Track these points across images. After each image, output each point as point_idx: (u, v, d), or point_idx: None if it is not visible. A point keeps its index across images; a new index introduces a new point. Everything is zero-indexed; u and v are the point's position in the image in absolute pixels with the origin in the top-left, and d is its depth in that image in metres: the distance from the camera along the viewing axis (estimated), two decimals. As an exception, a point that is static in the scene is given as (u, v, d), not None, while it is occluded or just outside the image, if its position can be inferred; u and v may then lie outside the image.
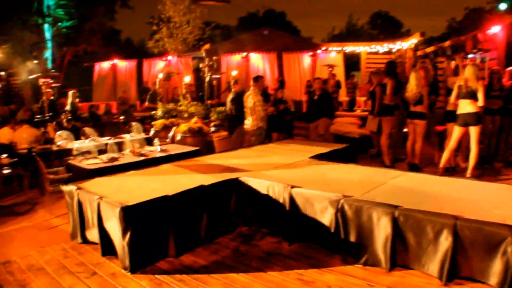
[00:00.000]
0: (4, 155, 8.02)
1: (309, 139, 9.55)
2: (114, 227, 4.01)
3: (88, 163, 6.28)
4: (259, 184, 4.76)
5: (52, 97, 12.54)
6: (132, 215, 3.86)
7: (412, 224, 3.60)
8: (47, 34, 15.90)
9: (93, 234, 4.49)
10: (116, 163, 6.32)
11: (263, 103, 8.35)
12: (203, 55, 11.70)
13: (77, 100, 12.19)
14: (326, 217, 4.14)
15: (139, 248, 3.95)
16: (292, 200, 4.42)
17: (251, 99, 8.15)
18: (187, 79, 11.90)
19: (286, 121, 10.16)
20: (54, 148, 7.97)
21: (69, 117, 11.62)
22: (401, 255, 3.76)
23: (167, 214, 4.15)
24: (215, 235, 4.73)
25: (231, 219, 4.93)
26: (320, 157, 6.08)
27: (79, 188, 4.64)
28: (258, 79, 8.49)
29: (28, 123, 10.15)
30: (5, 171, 7.88)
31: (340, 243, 4.07)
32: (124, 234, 3.86)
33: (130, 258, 3.91)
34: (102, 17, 17.54)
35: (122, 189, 4.65)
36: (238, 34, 20.68)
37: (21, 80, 15.65)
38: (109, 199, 4.15)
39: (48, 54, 16.18)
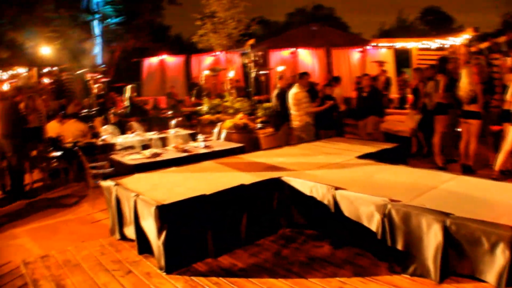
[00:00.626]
0: (51, 149, 8.26)
1: (358, 137, 9.22)
2: (150, 226, 3.93)
3: (130, 158, 6.30)
4: (302, 184, 4.56)
5: (102, 92, 12.76)
6: (168, 214, 3.77)
7: (465, 234, 3.29)
8: (96, 31, 16.27)
9: (130, 231, 4.45)
10: (158, 158, 6.31)
11: (309, 99, 8.12)
12: (248, 49, 11.54)
13: (134, 94, 12.33)
14: (372, 222, 3.89)
15: (175, 248, 3.86)
16: (336, 202, 4.19)
17: (296, 95, 7.94)
18: (231, 74, 11.80)
19: (334, 118, 9.85)
20: (99, 142, 8.07)
21: (128, 112, 11.88)
22: (453, 266, 3.46)
23: (205, 214, 4.03)
24: (256, 236, 4.57)
25: (273, 220, 4.76)
26: (367, 157, 5.78)
27: (117, 184, 4.61)
28: (303, 75, 8.28)
29: (76, 117, 10.41)
30: (52, 165, 8.10)
31: (387, 250, 3.80)
32: (159, 233, 3.77)
33: (166, 258, 3.82)
34: (150, 13, 17.76)
35: (160, 187, 4.58)
36: (286, 30, 20.48)
37: (72, 75, 16.07)
38: (145, 197, 4.09)
39: (97, 50, 16.55)
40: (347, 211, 4.12)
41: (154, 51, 18.56)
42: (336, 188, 4.22)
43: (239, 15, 11.98)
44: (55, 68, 17.04)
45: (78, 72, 14.03)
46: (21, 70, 18.72)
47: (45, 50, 15.42)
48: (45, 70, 17.92)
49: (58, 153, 8.18)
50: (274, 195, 4.69)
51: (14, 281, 4.08)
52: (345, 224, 4.14)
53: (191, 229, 3.98)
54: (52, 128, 9.48)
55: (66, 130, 9.33)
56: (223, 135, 8.92)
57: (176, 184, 4.66)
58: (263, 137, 9.34)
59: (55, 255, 4.56)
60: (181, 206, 3.88)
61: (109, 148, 7.75)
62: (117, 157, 6.56)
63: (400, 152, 6.58)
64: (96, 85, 12.34)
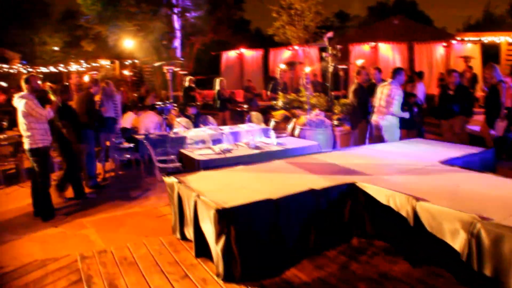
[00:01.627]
0: (124, 140, 8.33)
1: (441, 138, 8.38)
2: (209, 229, 3.65)
3: (199, 153, 6.10)
4: (379, 192, 4.05)
5: (193, 85, 12.82)
6: (228, 219, 3.46)
7: None
8: (176, 24, 16.48)
9: (190, 232, 4.20)
10: (227, 155, 6.06)
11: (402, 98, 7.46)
12: (326, 43, 10.98)
13: (224, 87, 12.31)
14: (457, 242, 3.31)
15: (234, 255, 3.53)
16: (416, 215, 3.64)
17: (384, 91, 7.31)
18: (308, 69, 11.32)
19: (416, 117, 9.07)
20: (171, 135, 7.99)
21: (218, 105, 11.94)
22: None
23: (269, 220, 3.67)
24: (324, 246, 4.16)
25: (344, 229, 4.30)
26: (452, 162, 5.10)
27: (180, 182, 4.38)
28: (399, 71, 7.53)
29: (152, 109, 10.50)
30: (125, 156, 8.16)
31: (472, 274, 3.21)
32: (218, 238, 3.47)
33: (224, 265, 3.52)
34: (230, 7, 17.77)
35: (224, 187, 4.29)
36: (367, 24, 19.63)
37: (152, 68, 16.43)
38: (206, 198, 3.80)
39: (177, 43, 16.78)
40: (428, 225, 3.57)
41: (233, 45, 18.59)
42: (417, 199, 3.68)
43: (316, 6, 11.45)
44: (136, 61, 17.57)
45: (156, 64, 14.23)
46: (104, 63, 19.63)
47: (128, 43, 15.87)
48: (127, 62, 18.64)
49: (131, 145, 8.19)
50: (347, 202, 4.23)
51: (69, 275, 4.00)
52: (424, 239, 3.60)
53: (253, 236, 3.64)
54: (128, 119, 9.66)
55: (141, 121, 9.43)
56: (297, 131, 8.55)
57: (242, 185, 4.34)
58: (339, 135, 8.83)
59: (113, 251, 4.44)
60: (243, 211, 3.55)
61: (180, 141, 7.65)
62: (186, 151, 6.40)
63: (489, 157, 5.78)
64: (187, 78, 12.36)
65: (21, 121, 5.78)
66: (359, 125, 8.18)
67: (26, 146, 5.83)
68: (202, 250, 3.94)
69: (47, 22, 27.99)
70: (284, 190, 3.95)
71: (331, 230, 4.16)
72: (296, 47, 15.15)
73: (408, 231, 3.74)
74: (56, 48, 27.82)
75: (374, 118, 7.47)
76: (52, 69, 19.41)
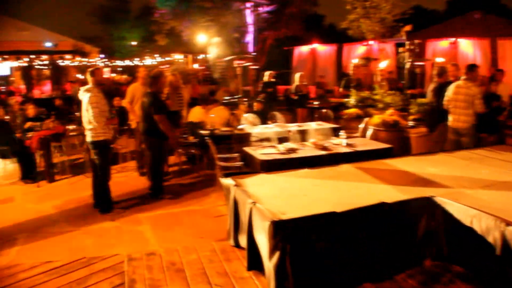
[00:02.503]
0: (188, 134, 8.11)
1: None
2: (263, 242, 3.22)
3: (262, 153, 5.68)
4: (461, 210, 3.39)
5: (273, 80, 12.36)
6: (284, 232, 3.00)
7: None
8: (249, 19, 16.21)
9: (244, 241, 3.80)
10: (292, 155, 5.59)
11: (482, 96, 6.62)
12: (403, 37, 10.09)
13: (304, 82, 11.87)
14: None
15: (288, 275, 3.07)
16: (505, 242, 2.99)
17: (468, 91, 6.51)
18: (382, 65, 10.52)
19: (498, 120, 8.07)
20: (236, 131, 7.66)
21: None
22: None
23: (330, 237, 3.17)
24: (391, 268, 3.58)
25: (416, 250, 3.68)
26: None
27: (236, 185, 3.98)
28: (472, 68, 6.75)
29: (221, 104, 10.26)
30: (189, 150, 7.96)
31: None
32: (271, 254, 3.03)
33: (277, 284, 3.07)
34: (303, 2, 17.22)
35: (284, 193, 3.84)
36: (445, 19, 18.26)
37: (225, 62, 16.29)
38: (262, 206, 3.37)
39: (249, 38, 16.53)
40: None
41: (306, 40, 18.05)
42: (507, 223, 3.02)
43: (393, -2, 10.53)
44: (208, 55, 17.52)
45: (226, 58, 14.02)
46: (177, 57, 19.84)
47: (201, 38, 15.83)
48: (199, 57, 18.70)
49: (195, 140, 7.97)
50: (422, 218, 3.60)
51: (113, 278, 3.77)
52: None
53: (311, 254, 3.16)
54: (196, 114, 9.41)
55: (209, 116, 9.19)
56: (369, 132, 7.89)
57: (303, 192, 3.86)
58: (414, 137, 8.02)
59: (162, 254, 4.17)
60: (302, 224, 3.08)
61: (244, 138, 7.29)
62: (249, 149, 6.00)
63: None
64: (267, 73, 11.99)
65: (84, 113, 5.69)
66: (437, 128, 7.38)
67: (88, 138, 5.76)
68: (255, 262, 3.51)
69: (126, 18, 29.04)
70: (350, 201, 3.45)
71: (400, 250, 3.57)
72: (371, 42, 14.34)
73: (494, 260, 3.11)
74: (134, 43, 28.75)
75: (451, 120, 6.68)
76: (127, 62, 19.98)
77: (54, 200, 6.46)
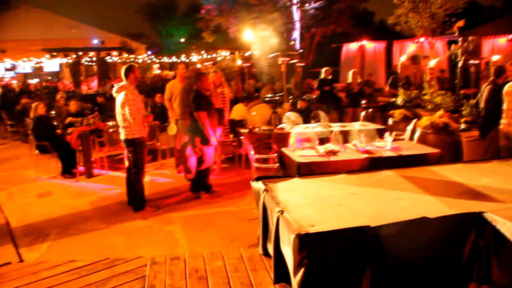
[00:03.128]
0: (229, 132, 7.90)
1: None
2: (288, 255, 2.92)
3: (300, 154, 5.37)
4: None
5: (330, 76, 11.89)
6: (310, 248, 2.69)
7: None
8: (296, 15, 15.88)
9: (271, 250, 3.52)
10: (331, 158, 5.24)
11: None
12: (455, 34, 9.40)
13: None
14: None
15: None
16: None
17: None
18: (433, 63, 9.88)
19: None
20: (276, 131, 7.37)
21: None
22: None
23: (363, 254, 2.83)
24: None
25: (460, 272, 3.22)
26: None
27: (266, 190, 3.71)
28: None
29: (264, 101, 10.02)
30: (229, 149, 7.76)
31: None
32: (296, 269, 2.74)
33: (303, 303, 2.77)
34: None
35: (316, 202, 3.52)
36: (503, 15, 17.18)
37: (271, 59, 16.02)
38: (290, 216, 3.07)
39: (296, 34, 16.20)
40: None
41: (355, 37, 17.55)
42: None
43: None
44: (256, 52, 17.30)
45: (272, 55, 13.74)
46: (224, 54, 19.76)
47: (247, 35, 15.65)
48: (247, 54, 18.52)
49: (234, 138, 7.80)
50: (469, 237, 3.13)
51: (133, 282, 3.60)
52: None
53: (340, 272, 2.83)
54: (237, 111, 9.23)
55: (250, 114, 8.96)
56: (417, 135, 7.40)
57: (337, 201, 3.53)
58: (466, 141, 7.42)
59: (186, 259, 3.97)
60: (331, 239, 2.75)
61: (284, 138, 6.99)
62: (287, 150, 5.71)
63: None
64: (323, 69, 11.56)
65: (118, 111, 5.60)
66: (491, 133, 6.76)
67: (122, 136, 5.66)
68: (282, 275, 3.21)
69: (174, 15, 29.35)
70: (389, 214, 3.10)
71: (442, 272, 3.16)
72: (421, 39, 13.64)
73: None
74: (182, 40, 29.03)
75: (504, 124, 6.10)
76: (174, 59, 20.14)
77: (90, 196, 6.48)
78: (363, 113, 9.32)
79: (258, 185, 3.93)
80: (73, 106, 8.39)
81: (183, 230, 5.08)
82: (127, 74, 5.59)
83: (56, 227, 5.29)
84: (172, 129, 6.77)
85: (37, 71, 22.73)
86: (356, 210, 3.23)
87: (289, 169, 5.41)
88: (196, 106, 5.97)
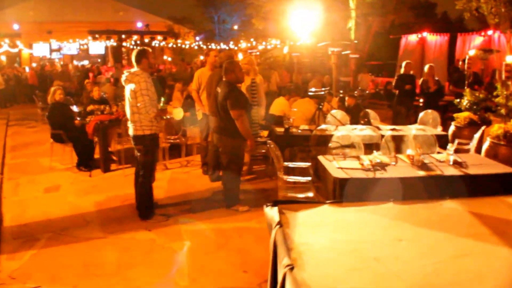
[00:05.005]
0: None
1: None
2: None
3: (339, 166, 4.31)
4: None
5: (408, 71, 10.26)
6: None
7: None
8: (351, 3, 14.65)
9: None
10: (377, 174, 4.13)
11: None
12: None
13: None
14: None
15: None
16: None
17: None
18: (510, 59, 8.41)
19: None
20: (315, 132, 6.30)
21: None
22: None
23: None
24: None
25: None
26: None
27: (280, 224, 2.70)
28: None
29: (308, 96, 8.96)
30: (261, 150, 6.76)
31: None
32: None
33: None
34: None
35: (343, 251, 2.45)
36: None
37: (322, 48, 14.99)
38: (302, 274, 2.07)
39: (351, 24, 14.96)
40: None
41: (415, 29, 16.11)
42: None
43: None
44: (307, 41, 16.27)
45: (322, 44, 12.66)
46: (275, 42, 18.78)
47: (298, 22, 14.60)
48: (298, 43, 17.46)
49: (265, 138, 6.77)
50: None
51: None
52: None
53: None
54: (278, 105, 8.29)
55: (291, 109, 7.98)
56: (486, 146, 6.15)
57: (376, 252, 2.43)
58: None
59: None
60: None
61: (322, 142, 5.93)
62: (324, 159, 4.65)
63: None
64: (403, 63, 10.04)
65: (128, 102, 4.77)
66: None
67: (131, 132, 4.83)
68: None
69: (227, 1, 28.59)
70: (448, 281, 2.03)
71: None
72: (489, 32, 12.04)
73: None
74: (235, 27, 28.28)
75: None
76: (223, 46, 19.46)
77: (99, 194, 5.81)
78: (421, 114, 8.02)
79: (272, 213, 2.92)
80: (95, 92, 7.73)
81: (190, 250, 4.23)
82: (139, 60, 4.74)
83: (49, 231, 4.64)
84: (178, 113, 5.92)
85: (84, 53, 22.72)
86: (402, 273, 2.16)
87: (323, 184, 4.44)
88: (233, 103, 4.91)
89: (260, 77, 6.59)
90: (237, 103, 4.92)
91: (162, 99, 5.13)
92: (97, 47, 20.34)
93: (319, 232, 2.69)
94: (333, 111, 7.97)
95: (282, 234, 2.58)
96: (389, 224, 2.90)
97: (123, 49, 19.76)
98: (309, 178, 4.79)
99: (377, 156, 4.64)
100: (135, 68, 4.77)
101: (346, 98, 9.48)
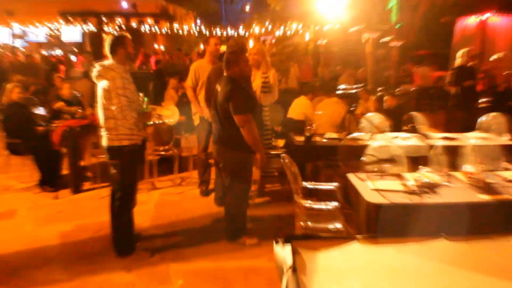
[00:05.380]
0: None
1: None
2: None
3: (375, 187, 4.18)
4: None
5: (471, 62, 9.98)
6: None
7: None
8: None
9: None
10: (425, 198, 4.02)
11: None
12: None
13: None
14: None
15: None
16: None
17: None
18: None
19: None
20: (345, 142, 6.31)
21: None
22: None
23: None
24: None
25: None
26: None
27: (294, 269, 2.56)
28: None
29: (336, 95, 8.93)
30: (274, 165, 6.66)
31: None
32: None
33: None
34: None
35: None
36: None
37: (354, 35, 15.05)
38: None
39: (393, 3, 15.02)
40: None
41: (474, 9, 16.07)
42: None
43: None
44: (337, 26, 16.34)
45: (353, 29, 12.67)
46: (295, 26, 18.86)
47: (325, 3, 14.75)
48: (325, 27, 17.53)
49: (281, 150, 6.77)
50: None
51: None
52: None
53: None
54: (299, 107, 8.40)
55: (315, 112, 8.03)
56: None
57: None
58: None
59: None
60: None
61: (355, 153, 5.81)
62: (355, 178, 4.53)
63: None
64: (461, 51, 9.74)
65: (101, 103, 4.69)
66: None
67: (105, 142, 4.76)
68: None
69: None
70: None
71: None
72: None
73: None
74: (246, 8, 28.48)
75: None
76: (230, 32, 19.59)
77: (65, 223, 5.79)
78: (483, 118, 7.90)
79: (284, 253, 2.79)
80: (65, 90, 7.76)
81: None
82: (114, 49, 4.68)
83: (-3, 272, 4.60)
84: (172, 115, 5.87)
85: (56, 41, 22.80)
86: None
87: (356, 210, 4.30)
88: (237, 106, 4.80)
89: (273, 71, 6.53)
90: (243, 106, 4.80)
91: (145, 99, 5.03)
92: (72, 32, 20.46)
93: (346, 281, 2.55)
94: (369, 115, 7.89)
95: (296, 283, 2.45)
96: (441, 269, 2.75)
97: (104, 36, 20.06)
98: (336, 204, 4.66)
99: (424, 174, 4.54)
100: (109, 61, 4.70)
101: (386, 97, 9.40)
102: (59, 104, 7.26)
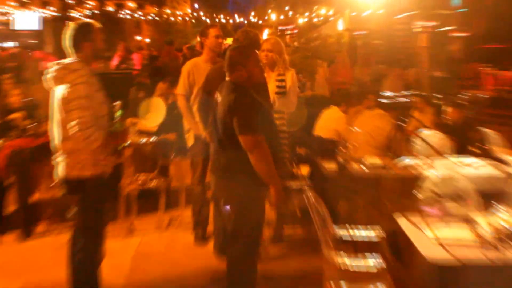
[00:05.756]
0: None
1: None
2: None
3: (437, 237, 4.10)
4: None
5: None
6: None
7: None
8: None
9: None
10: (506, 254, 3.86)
11: None
12: None
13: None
14: None
15: None
16: None
17: None
18: None
19: None
20: (393, 170, 6.34)
21: None
22: None
23: None
24: None
25: None
26: None
27: None
28: None
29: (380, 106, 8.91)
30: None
31: None
32: None
33: None
34: None
35: None
36: None
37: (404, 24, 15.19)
38: None
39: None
40: None
41: None
42: None
43: None
44: (380, 12, 16.51)
45: (402, 15, 12.74)
46: (324, 13, 19.05)
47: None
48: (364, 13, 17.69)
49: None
50: None
51: None
52: None
53: None
54: (329, 121, 8.49)
55: (352, 128, 7.95)
56: None
57: None
58: None
59: None
60: None
61: (407, 188, 5.73)
62: (407, 223, 4.50)
63: None
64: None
65: (56, 118, 4.70)
66: None
67: (61, 171, 4.75)
68: None
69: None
70: None
71: None
72: None
73: None
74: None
75: None
76: (238, 19, 19.76)
77: (11, 280, 5.79)
78: None
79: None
80: (16, 96, 7.75)
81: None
82: (77, 43, 4.69)
83: None
84: (154, 117, 5.82)
85: (7, 31, 23.01)
86: None
87: (409, 270, 4.22)
88: (244, 123, 4.69)
89: (293, 72, 6.49)
90: (251, 123, 4.68)
91: (119, 112, 4.97)
92: (28, 20, 20.56)
93: None
94: (425, 132, 7.82)
95: None
96: None
97: (68, 24, 20.40)
98: (380, 261, 4.56)
99: (505, 219, 4.37)
100: (70, 59, 4.72)
101: (448, 108, 9.33)
102: (15, 116, 7.34)
